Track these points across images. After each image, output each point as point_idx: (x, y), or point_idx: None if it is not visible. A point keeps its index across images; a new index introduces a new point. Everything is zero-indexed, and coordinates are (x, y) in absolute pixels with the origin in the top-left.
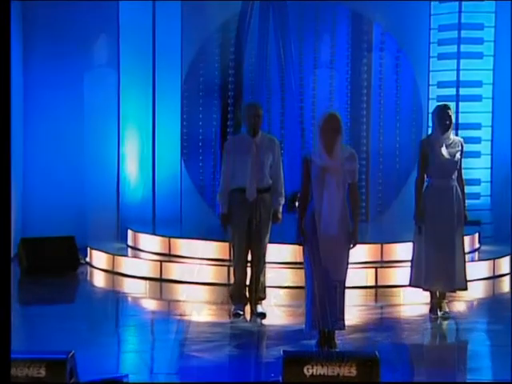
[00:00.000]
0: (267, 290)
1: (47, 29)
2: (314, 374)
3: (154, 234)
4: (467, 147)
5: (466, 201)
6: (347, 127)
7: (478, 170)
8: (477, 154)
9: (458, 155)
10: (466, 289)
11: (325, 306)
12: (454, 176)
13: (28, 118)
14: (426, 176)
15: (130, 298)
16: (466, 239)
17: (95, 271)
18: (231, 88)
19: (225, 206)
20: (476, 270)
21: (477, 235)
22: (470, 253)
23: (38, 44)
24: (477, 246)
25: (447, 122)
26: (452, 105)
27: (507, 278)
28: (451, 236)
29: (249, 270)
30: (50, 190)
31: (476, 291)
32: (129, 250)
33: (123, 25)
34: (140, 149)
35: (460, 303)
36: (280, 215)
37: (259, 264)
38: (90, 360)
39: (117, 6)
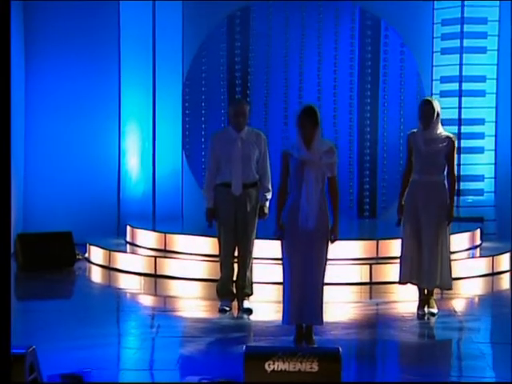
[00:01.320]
0: (254, 285)
1: (49, 27)
2: (275, 369)
3: (150, 229)
4: (470, 143)
5: (455, 198)
6: (352, 123)
7: (481, 165)
8: (480, 150)
9: (441, 151)
10: (450, 288)
11: (302, 300)
12: (439, 172)
13: (29, 114)
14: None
15: (123, 294)
16: (466, 236)
17: (92, 267)
18: (235, 83)
19: (210, 201)
20: (475, 266)
21: (478, 232)
22: (469, 249)
23: (39, 41)
24: (478, 242)
25: (428, 118)
26: (455, 100)
27: (506, 275)
28: (431, 232)
29: (236, 266)
30: (51, 185)
31: (473, 288)
32: (127, 245)
33: (124, 19)
34: (141, 144)
35: (455, 300)
36: (267, 210)
37: (246, 260)
38: (67, 354)
39: (117, 2)
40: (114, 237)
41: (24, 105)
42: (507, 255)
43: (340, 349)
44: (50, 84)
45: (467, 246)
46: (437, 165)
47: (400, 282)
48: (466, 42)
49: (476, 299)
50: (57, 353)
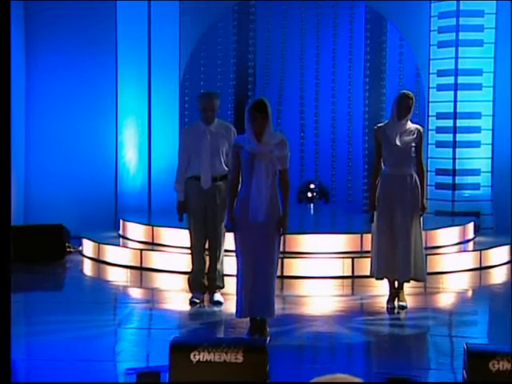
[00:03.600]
0: (226, 278)
1: (48, 25)
2: (201, 360)
3: (138, 222)
4: (466, 137)
5: (426, 190)
6: (350, 116)
7: (478, 159)
8: (477, 144)
9: (412, 143)
10: (424, 280)
11: (254, 293)
12: (410, 164)
13: (29, 110)
14: (382, 164)
15: (106, 286)
16: (456, 230)
17: (82, 259)
18: (233, 77)
19: (181, 194)
20: (463, 260)
21: (470, 225)
22: (460, 243)
23: (39, 38)
24: (470, 236)
25: (407, 111)
26: (451, 94)
27: (495, 270)
28: (404, 225)
29: (207, 258)
30: (51, 179)
31: (459, 282)
32: (120, 239)
33: (120, 15)
34: (138, 139)
35: (437, 294)
36: None
37: (216, 252)
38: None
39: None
40: (111, 230)
41: (24, 101)
42: (497, 249)
43: (267, 340)
44: (49, 80)
45: (457, 240)
46: (407, 156)
47: (376, 278)
48: (462, 35)
49: (459, 293)
50: None
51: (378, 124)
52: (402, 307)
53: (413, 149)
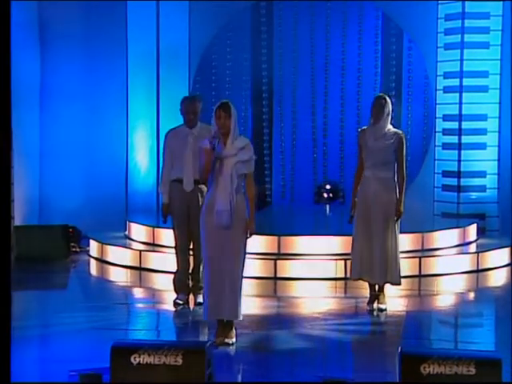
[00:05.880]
0: None
1: (62, 28)
2: (141, 362)
3: (140, 223)
4: (472, 139)
5: (404, 195)
6: (359, 118)
7: (484, 161)
8: (483, 146)
9: (390, 147)
10: (398, 283)
11: (220, 295)
12: (388, 168)
13: (44, 114)
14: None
15: (107, 286)
16: (456, 232)
17: (88, 260)
18: (245, 80)
19: (165, 196)
20: (459, 263)
21: (472, 227)
22: (460, 245)
23: (54, 41)
24: (472, 238)
25: (378, 113)
26: (457, 96)
27: (492, 273)
28: (381, 228)
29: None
30: (64, 181)
31: (451, 285)
32: (126, 239)
33: (131, 17)
34: (148, 142)
35: (428, 297)
36: None
37: (199, 254)
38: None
39: (125, 2)
40: (121, 230)
41: (39, 104)
42: (497, 251)
43: (208, 344)
44: (63, 84)
45: (457, 242)
46: (386, 161)
47: (352, 279)
48: (468, 37)
49: (451, 296)
50: None
51: (361, 127)
52: (381, 310)
53: (390, 153)
